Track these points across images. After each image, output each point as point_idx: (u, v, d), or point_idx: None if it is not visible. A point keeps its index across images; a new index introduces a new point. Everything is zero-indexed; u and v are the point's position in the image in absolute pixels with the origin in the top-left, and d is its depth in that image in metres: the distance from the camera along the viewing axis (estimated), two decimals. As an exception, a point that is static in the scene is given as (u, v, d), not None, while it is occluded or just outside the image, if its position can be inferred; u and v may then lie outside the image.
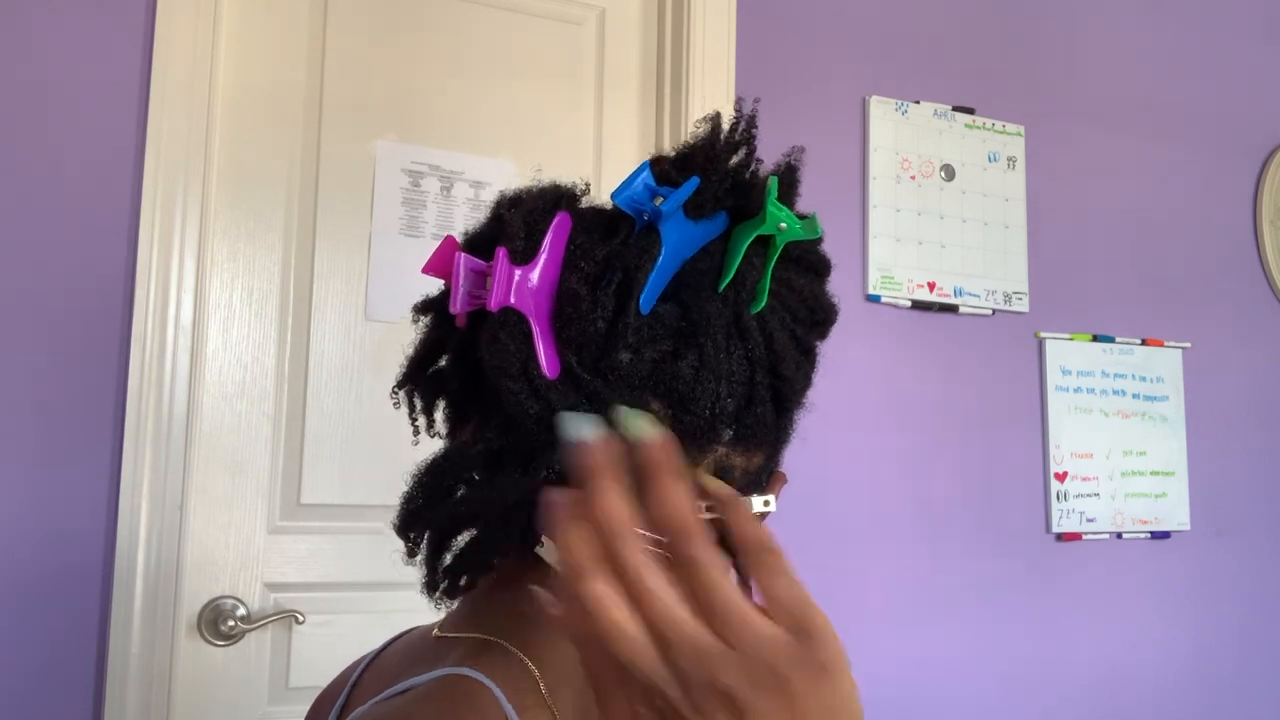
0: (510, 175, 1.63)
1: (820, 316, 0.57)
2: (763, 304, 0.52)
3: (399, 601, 1.48)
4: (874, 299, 1.76)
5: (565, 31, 1.71)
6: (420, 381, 0.58)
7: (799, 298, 0.55)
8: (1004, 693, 1.80)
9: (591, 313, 0.49)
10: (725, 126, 0.54)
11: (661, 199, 0.51)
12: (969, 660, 1.79)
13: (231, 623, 1.41)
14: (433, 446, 0.58)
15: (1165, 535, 1.97)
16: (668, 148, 1.67)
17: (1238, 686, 1.99)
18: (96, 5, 1.39)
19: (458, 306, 0.49)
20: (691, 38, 1.68)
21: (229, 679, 1.42)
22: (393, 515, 0.56)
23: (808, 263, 0.56)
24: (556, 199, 0.53)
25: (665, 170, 0.53)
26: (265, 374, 1.48)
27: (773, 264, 0.52)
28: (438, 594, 0.55)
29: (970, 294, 1.84)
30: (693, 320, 0.51)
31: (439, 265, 0.53)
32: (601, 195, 0.56)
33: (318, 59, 1.55)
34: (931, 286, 1.81)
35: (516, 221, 0.50)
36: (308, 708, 0.74)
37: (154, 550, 1.35)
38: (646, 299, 0.50)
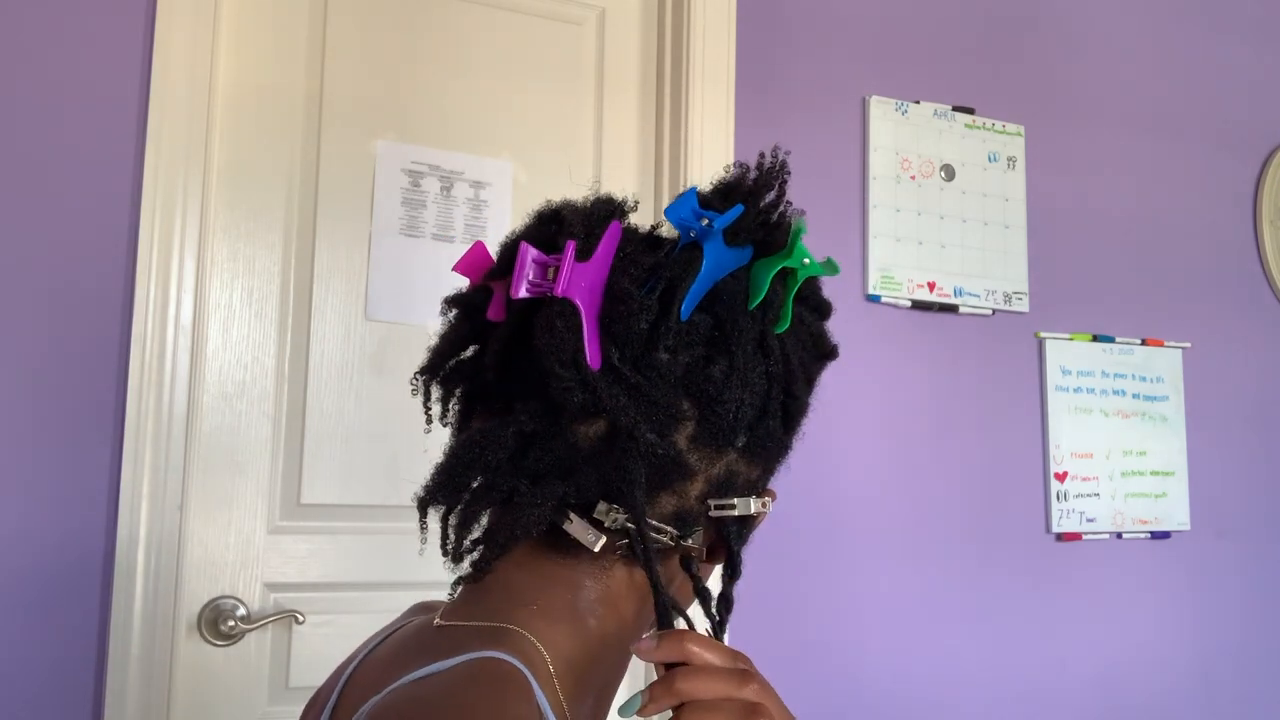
0: (510, 175, 1.63)
1: (823, 351, 0.64)
2: (786, 325, 0.58)
3: (399, 601, 1.48)
4: (874, 299, 1.76)
5: (565, 31, 1.71)
6: (442, 370, 0.62)
7: (808, 331, 0.62)
8: (1004, 693, 1.80)
9: (638, 313, 0.54)
10: (764, 168, 0.61)
11: (708, 221, 0.57)
12: (968, 660, 1.79)
13: (231, 623, 1.41)
14: (441, 439, 0.62)
15: (1165, 535, 1.97)
16: (667, 147, 1.68)
17: (1238, 686, 1.99)
18: (96, 5, 1.39)
19: (519, 293, 0.53)
20: (691, 38, 1.68)
21: (229, 679, 1.42)
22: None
23: (814, 303, 0.63)
24: (611, 209, 0.58)
25: (707, 198, 0.60)
26: (265, 374, 1.48)
27: (793, 294, 0.58)
28: (467, 566, 0.58)
29: (970, 294, 1.84)
30: (725, 331, 0.56)
31: (470, 266, 0.60)
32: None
33: (318, 59, 1.55)
34: (931, 286, 1.81)
35: (578, 222, 0.55)
36: None
37: (154, 550, 1.35)
38: (686, 306, 0.55)
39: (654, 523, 0.56)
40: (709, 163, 1.66)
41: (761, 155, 0.61)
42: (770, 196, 0.60)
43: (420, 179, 1.58)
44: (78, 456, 1.33)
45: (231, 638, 1.41)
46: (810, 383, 0.63)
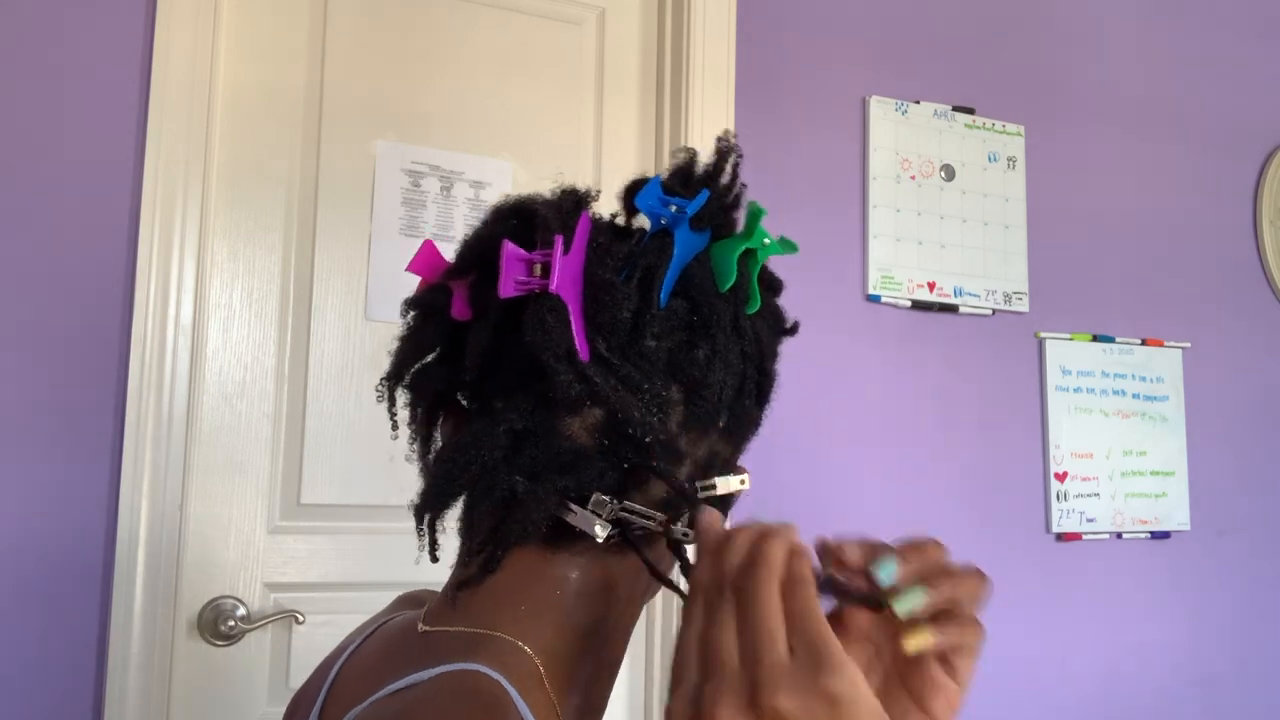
0: (510, 175, 1.63)
1: (783, 326, 0.65)
2: (757, 306, 0.59)
3: (399, 601, 1.48)
4: (874, 299, 1.76)
5: (565, 31, 1.71)
6: (406, 376, 0.61)
7: (768, 309, 0.63)
8: (1003, 693, 1.80)
9: (621, 302, 0.55)
10: (720, 152, 0.62)
11: (676, 207, 0.58)
12: (969, 660, 1.79)
13: (231, 623, 1.41)
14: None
15: (1165, 535, 1.97)
16: (667, 147, 1.68)
17: (1237, 686, 1.99)
18: (96, 5, 1.39)
19: (508, 292, 0.53)
20: (691, 38, 1.68)
21: (229, 679, 1.42)
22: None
23: (768, 280, 0.63)
24: (578, 200, 0.58)
25: (670, 185, 0.60)
26: (265, 374, 1.48)
27: (756, 274, 0.59)
28: (477, 572, 0.57)
29: (970, 294, 1.84)
30: (703, 315, 0.57)
31: (424, 265, 0.60)
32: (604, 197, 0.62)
33: (318, 59, 1.55)
34: (931, 286, 1.81)
35: (555, 216, 0.55)
36: None
37: (154, 550, 1.35)
38: (664, 293, 0.56)
39: (641, 508, 0.56)
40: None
41: (719, 139, 0.62)
42: (726, 180, 0.61)
43: (420, 179, 1.58)
44: (78, 456, 1.33)
45: (231, 638, 1.41)
46: (775, 357, 0.64)
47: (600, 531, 0.55)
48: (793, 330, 0.65)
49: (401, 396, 0.62)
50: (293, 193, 1.52)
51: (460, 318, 0.57)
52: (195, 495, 1.42)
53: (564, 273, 0.53)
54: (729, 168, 0.61)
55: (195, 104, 1.41)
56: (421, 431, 0.62)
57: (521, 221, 0.57)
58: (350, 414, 1.51)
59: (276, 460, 1.48)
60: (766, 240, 0.59)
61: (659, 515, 0.56)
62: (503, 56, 1.66)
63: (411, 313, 0.61)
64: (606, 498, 0.55)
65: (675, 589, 0.58)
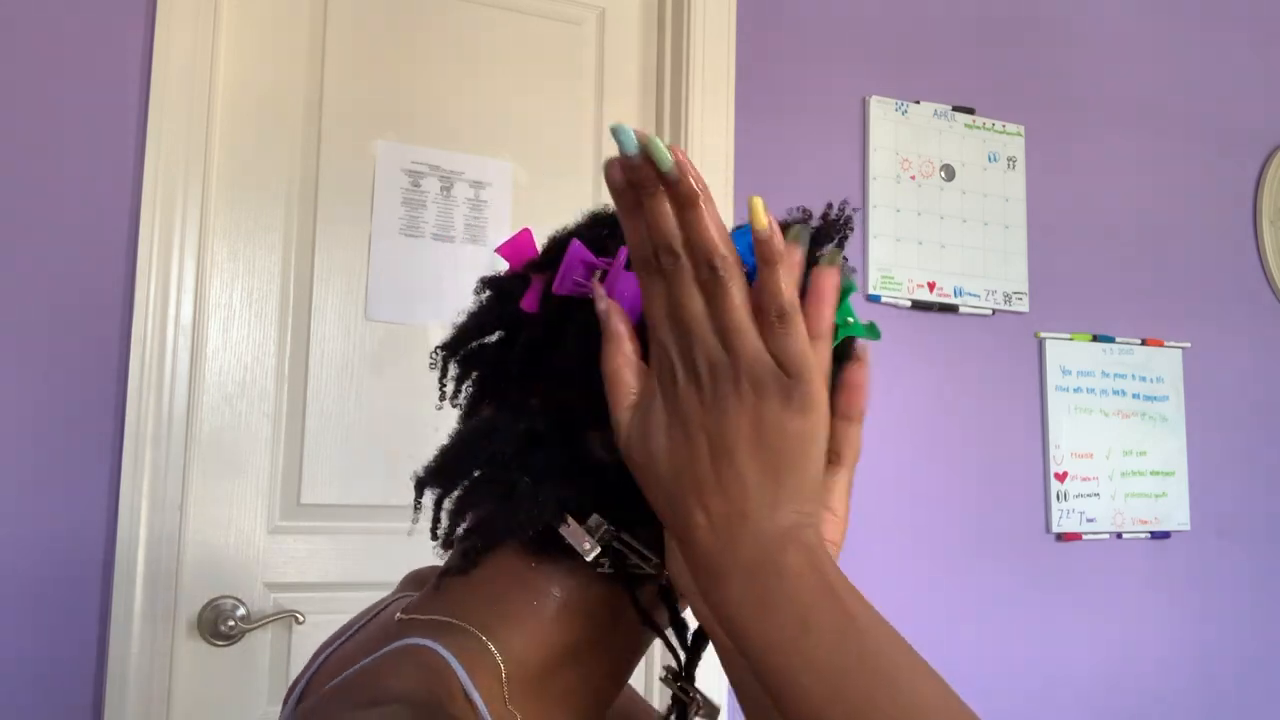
0: (510, 175, 1.63)
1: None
2: None
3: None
4: (874, 299, 1.76)
5: (565, 31, 1.71)
6: (462, 350, 0.61)
7: (833, 388, 0.60)
8: (1003, 692, 1.80)
9: None
10: (828, 217, 0.60)
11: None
12: (968, 660, 1.79)
13: (231, 623, 1.41)
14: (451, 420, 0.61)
15: (1165, 535, 1.97)
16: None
17: (1238, 686, 1.99)
18: (96, 5, 1.39)
19: (562, 290, 0.53)
20: (691, 38, 1.68)
21: (229, 679, 1.42)
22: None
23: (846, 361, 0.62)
24: None
25: None
26: (265, 374, 1.48)
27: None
28: (458, 560, 0.56)
29: (970, 294, 1.85)
30: None
31: (513, 251, 0.59)
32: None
33: (318, 59, 1.55)
34: (931, 286, 1.81)
35: None
36: None
37: (154, 550, 1.35)
38: None
39: (638, 546, 0.54)
40: (709, 163, 1.66)
41: (829, 205, 0.60)
42: (828, 248, 0.58)
43: (420, 179, 1.58)
44: (78, 456, 1.33)
45: (231, 638, 1.41)
46: None
47: (588, 550, 0.53)
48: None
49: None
50: (293, 193, 1.52)
51: (528, 310, 0.56)
52: (195, 495, 1.42)
53: (622, 286, 0.51)
54: (836, 238, 0.59)
55: (195, 104, 1.41)
56: (467, 410, 0.61)
57: (605, 227, 0.56)
58: (350, 414, 1.51)
59: (276, 460, 1.48)
60: (850, 319, 0.57)
61: (654, 558, 0.54)
62: (503, 56, 1.66)
63: (486, 292, 0.60)
64: (604, 521, 0.53)
65: (660, 634, 0.56)
